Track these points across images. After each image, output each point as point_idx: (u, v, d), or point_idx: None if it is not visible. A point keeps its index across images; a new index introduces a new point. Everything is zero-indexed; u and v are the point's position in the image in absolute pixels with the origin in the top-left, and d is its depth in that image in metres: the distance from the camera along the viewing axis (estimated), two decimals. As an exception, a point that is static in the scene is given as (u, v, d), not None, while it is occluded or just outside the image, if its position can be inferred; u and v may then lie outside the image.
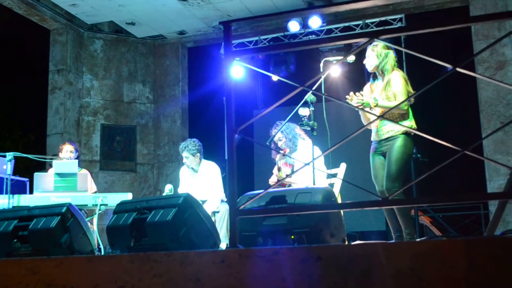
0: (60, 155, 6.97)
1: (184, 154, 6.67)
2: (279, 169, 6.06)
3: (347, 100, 4.94)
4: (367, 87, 5.20)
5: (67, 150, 6.98)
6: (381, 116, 4.49)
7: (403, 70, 5.44)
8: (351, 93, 5.00)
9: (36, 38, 10.17)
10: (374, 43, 4.98)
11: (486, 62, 8.41)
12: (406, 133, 4.90)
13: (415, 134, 4.90)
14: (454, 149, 2.22)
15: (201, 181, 6.69)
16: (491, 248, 1.85)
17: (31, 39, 10.65)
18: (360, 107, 4.87)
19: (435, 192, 8.22)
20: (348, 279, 1.91)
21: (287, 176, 5.96)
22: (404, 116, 4.96)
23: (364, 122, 5.16)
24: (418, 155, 7.61)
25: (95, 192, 6.76)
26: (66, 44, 9.54)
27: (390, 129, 4.95)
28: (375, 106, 4.89)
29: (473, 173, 8.76)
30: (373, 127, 5.09)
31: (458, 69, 2.23)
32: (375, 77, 5.17)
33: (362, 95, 4.98)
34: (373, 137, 5.13)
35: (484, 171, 8.30)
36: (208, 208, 6.29)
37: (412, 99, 4.91)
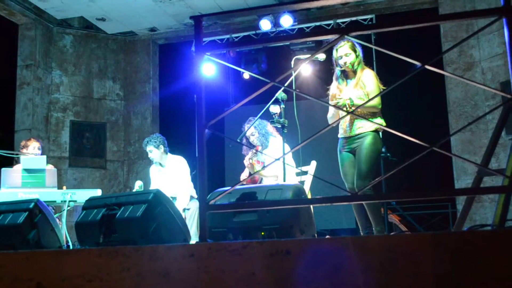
0: (25, 151, 6.76)
1: (148, 148, 6.70)
2: (251, 166, 6.06)
3: (336, 98, 4.95)
4: (334, 88, 5.20)
5: (35, 147, 6.80)
6: (352, 112, 4.52)
7: (373, 70, 5.48)
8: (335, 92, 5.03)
9: (4, 32, 9.99)
10: (353, 41, 5.02)
11: (454, 63, 8.54)
12: (375, 131, 4.95)
13: (384, 132, 4.95)
14: (422, 146, 2.24)
15: (169, 176, 6.68)
16: (458, 243, 1.87)
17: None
18: (337, 106, 4.90)
19: (405, 191, 8.26)
20: (317, 273, 1.91)
21: (257, 171, 5.97)
22: (375, 114, 5.01)
23: (331, 120, 5.16)
24: (388, 154, 7.69)
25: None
26: (35, 39, 9.41)
27: (361, 125, 4.99)
28: (351, 107, 4.91)
29: (442, 172, 8.88)
30: (342, 123, 5.10)
31: (427, 67, 2.26)
32: (343, 77, 5.17)
33: (340, 97, 4.99)
34: (341, 134, 5.14)
35: (452, 171, 8.43)
36: (179, 205, 6.27)
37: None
